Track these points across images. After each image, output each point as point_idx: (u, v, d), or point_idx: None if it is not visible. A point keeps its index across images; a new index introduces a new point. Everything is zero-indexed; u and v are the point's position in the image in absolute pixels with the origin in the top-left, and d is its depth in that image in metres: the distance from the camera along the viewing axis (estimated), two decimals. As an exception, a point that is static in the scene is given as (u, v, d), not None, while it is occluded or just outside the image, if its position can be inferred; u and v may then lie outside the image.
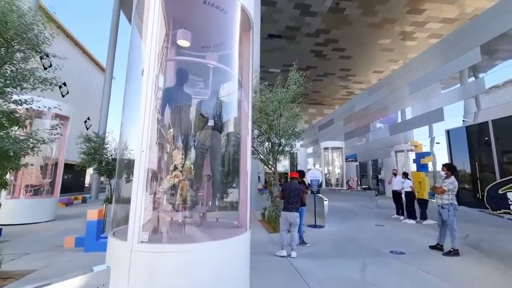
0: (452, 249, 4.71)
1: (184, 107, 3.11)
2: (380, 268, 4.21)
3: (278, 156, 7.66)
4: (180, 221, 3.07)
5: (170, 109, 3.05)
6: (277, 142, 7.32)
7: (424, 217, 8.14)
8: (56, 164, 9.55)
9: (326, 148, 19.20)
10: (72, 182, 21.65)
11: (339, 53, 26.87)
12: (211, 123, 3.51)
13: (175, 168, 2.91)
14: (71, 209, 11.51)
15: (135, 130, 2.62)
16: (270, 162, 7.57)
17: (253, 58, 10.68)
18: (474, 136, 11.24)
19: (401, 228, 7.40)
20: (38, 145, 4.38)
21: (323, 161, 19.11)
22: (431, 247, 5.15)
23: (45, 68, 19.79)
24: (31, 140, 4.22)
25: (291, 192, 4.72)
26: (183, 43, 3.27)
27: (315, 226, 7.32)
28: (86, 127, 23.91)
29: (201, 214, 3.51)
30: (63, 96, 21.46)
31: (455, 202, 4.87)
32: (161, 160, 2.98)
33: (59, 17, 19.46)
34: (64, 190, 20.12)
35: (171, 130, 2.94)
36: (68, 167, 16.92)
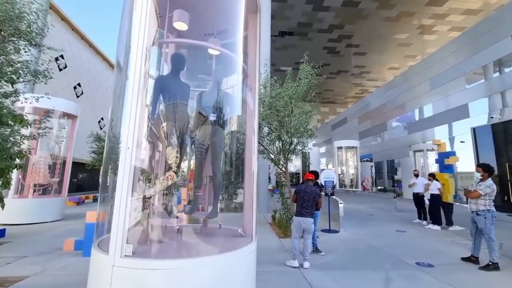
0: (490, 263, 4.09)
1: (179, 106, 2.69)
2: (407, 284, 3.67)
3: (290, 155, 7.19)
4: (175, 229, 2.68)
5: (164, 102, 2.66)
6: (288, 140, 6.85)
7: (449, 222, 7.43)
8: (64, 163, 9.48)
9: (339, 148, 18.47)
10: (87, 181, 21.96)
11: (353, 49, 26.01)
12: (213, 117, 3.11)
13: (169, 168, 2.51)
14: (82, 208, 11.46)
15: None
16: (281, 162, 7.10)
17: (263, 49, 10.22)
18: (504, 134, 10.30)
19: (425, 234, 6.75)
20: (22, 141, 4.11)
21: (336, 161, 18.39)
22: (464, 259, 4.54)
23: (60, 70, 20.15)
24: (12, 136, 3.95)
25: (306, 195, 4.25)
26: (180, 25, 2.88)
27: (329, 231, 6.79)
28: (100, 127, 24.22)
29: (201, 221, 3.12)
30: (77, 96, 21.78)
31: (493, 208, 4.23)
32: (153, 159, 2.60)
33: (72, 17, 19.73)
34: (79, 189, 20.44)
35: (164, 125, 2.55)
36: (81, 166, 17.11)
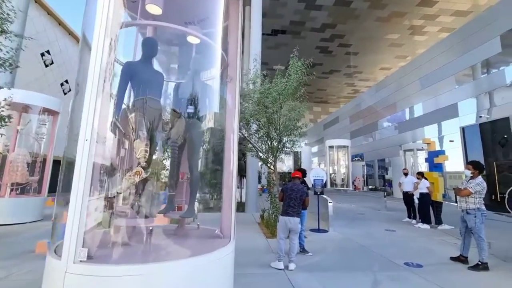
0: (480, 263, 4.00)
1: (150, 98, 2.44)
2: (395, 286, 3.53)
3: (279, 154, 7.01)
4: (146, 231, 2.46)
5: (133, 91, 2.42)
6: (277, 138, 6.66)
7: (438, 221, 7.39)
8: (45, 161, 9.06)
9: (331, 147, 18.43)
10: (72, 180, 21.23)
11: (345, 49, 26.05)
12: (190, 109, 2.89)
13: (138, 163, 2.28)
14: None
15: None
16: (269, 160, 6.91)
17: (254, 45, 10.00)
18: (492, 133, 10.38)
19: (415, 233, 6.67)
20: None
21: (328, 160, 18.35)
22: (453, 259, 4.44)
23: (47, 66, 19.38)
24: None
25: (293, 193, 4.07)
26: (153, 9, 2.65)
27: (318, 230, 6.65)
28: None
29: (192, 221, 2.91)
30: (65, 93, 21.08)
31: (483, 207, 4.15)
32: (118, 153, 2.36)
33: (59, 12, 19.05)
34: (67, 188, 19.71)
35: (133, 115, 2.31)
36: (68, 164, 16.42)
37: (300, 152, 20.76)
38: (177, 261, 2.05)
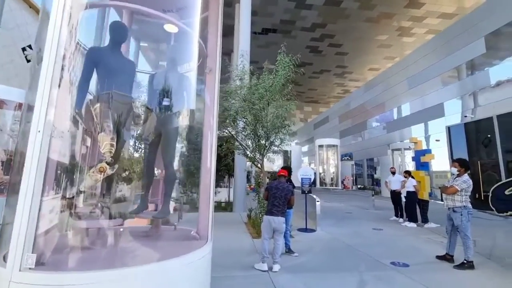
0: (465, 261, 3.96)
1: (117, 95, 2.21)
2: (381, 285, 3.44)
3: (266, 152, 6.86)
4: (115, 233, 2.25)
5: (99, 80, 2.20)
6: (264, 135, 6.51)
7: (425, 220, 7.42)
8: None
9: (320, 146, 18.47)
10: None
11: (335, 49, 26.16)
12: (166, 102, 2.69)
13: (102, 159, 2.07)
14: (43, 209, 10.55)
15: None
16: (256, 158, 6.75)
17: (242, 39, 9.76)
18: (477, 133, 10.56)
19: (401, 232, 6.66)
20: None
21: (317, 159, 18.37)
22: (439, 258, 4.40)
23: (28, 61, 18.60)
24: None
25: (277, 192, 3.92)
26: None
27: (306, 230, 6.53)
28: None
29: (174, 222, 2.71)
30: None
31: (469, 205, 4.12)
32: (80, 148, 2.14)
33: None
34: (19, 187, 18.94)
35: (97, 106, 2.10)
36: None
37: (290, 151, 20.73)
38: (145, 266, 1.85)
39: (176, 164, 2.70)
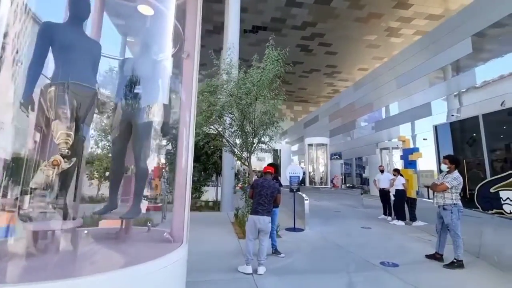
0: (455, 260, 3.87)
1: (74, 88, 1.89)
2: (370, 287, 3.28)
3: (254, 149, 6.64)
4: (78, 236, 1.97)
5: (55, 61, 1.91)
6: (251, 131, 6.28)
7: (413, 218, 7.39)
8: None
9: (310, 145, 18.42)
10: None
11: (325, 48, 26.23)
12: (138, 90, 2.43)
13: (60, 151, 1.79)
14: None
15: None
16: (244, 156, 6.53)
17: (230, 31, 9.45)
18: (463, 132, 10.70)
19: (390, 231, 6.58)
20: None
21: (307, 158, 18.31)
22: (428, 257, 4.30)
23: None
24: None
25: (263, 190, 3.70)
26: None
27: (294, 229, 6.36)
28: None
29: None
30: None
31: (460, 202, 4.03)
32: (31, 139, 1.86)
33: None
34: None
35: (52, 89, 1.81)
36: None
37: (280, 150, 20.60)
38: (106, 274, 1.59)
39: (156, 160, 2.43)
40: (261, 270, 3.53)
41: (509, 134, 9.12)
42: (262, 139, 6.50)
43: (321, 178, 17.80)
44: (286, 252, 4.49)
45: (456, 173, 4.11)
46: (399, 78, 15.79)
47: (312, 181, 17.73)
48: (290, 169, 6.65)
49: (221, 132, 6.49)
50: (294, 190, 6.56)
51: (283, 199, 8.44)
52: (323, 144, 18.15)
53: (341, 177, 23.43)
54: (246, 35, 23.74)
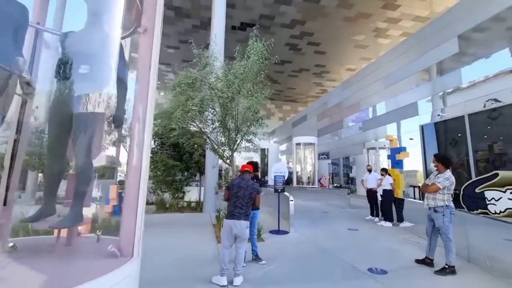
0: (447, 266, 3.62)
1: None
2: (358, 299, 2.97)
3: (236, 147, 6.24)
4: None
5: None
6: (234, 129, 5.88)
7: (400, 219, 7.21)
8: None
9: (298, 144, 18.19)
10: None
11: (314, 48, 26.16)
12: (84, 70, 1.98)
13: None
14: None
15: None
16: (225, 154, 6.11)
17: (217, 20, 8.96)
18: (448, 131, 10.71)
19: (377, 232, 6.35)
20: None
21: (295, 157, 18.08)
22: (419, 262, 4.05)
23: None
24: None
25: (240, 191, 3.31)
26: None
27: (278, 232, 6.01)
28: None
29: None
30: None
31: (452, 204, 3.79)
32: None
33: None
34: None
35: None
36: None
37: (267, 149, 20.29)
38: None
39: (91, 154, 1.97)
40: (238, 281, 3.14)
41: (494, 134, 9.16)
42: (246, 136, 6.11)
43: (309, 178, 17.61)
44: (267, 258, 4.13)
45: (448, 173, 3.87)
46: (386, 77, 15.79)
47: (299, 181, 17.51)
48: (275, 168, 6.30)
49: (202, 129, 6.05)
50: (279, 190, 6.22)
51: (268, 200, 8.10)
52: (311, 144, 17.97)
53: (328, 177, 23.39)
54: (233, 32, 23.32)
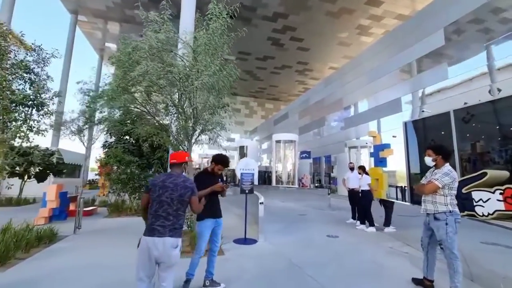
0: (452, 291, 2.74)
1: None
2: None
3: (196, 138, 5.15)
4: None
5: None
6: (191, 115, 4.79)
7: (387, 223, 6.40)
8: None
9: (278, 141, 17.29)
10: None
11: (297, 44, 25.49)
12: None
13: None
14: None
15: None
16: (183, 145, 4.99)
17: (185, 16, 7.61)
18: (424, 130, 10.19)
19: (360, 240, 5.49)
20: None
21: (274, 155, 17.17)
22: (416, 283, 3.16)
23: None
24: None
25: (166, 193, 2.21)
26: None
27: (244, 241, 4.99)
28: None
29: None
30: None
31: (457, 209, 2.93)
32: None
33: None
34: None
35: None
36: None
37: (247, 146, 19.26)
38: None
39: None
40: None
41: (481, 131, 8.67)
42: (208, 126, 5.02)
43: (289, 177, 16.76)
44: (226, 279, 3.09)
45: (446, 167, 3.00)
46: (368, 74, 15.26)
47: (279, 180, 16.62)
48: (242, 164, 5.26)
49: (149, 110, 4.85)
50: (247, 191, 5.19)
51: (239, 201, 7.01)
52: (291, 141, 17.13)
53: (310, 177, 22.74)
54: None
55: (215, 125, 5.21)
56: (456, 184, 2.95)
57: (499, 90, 10.50)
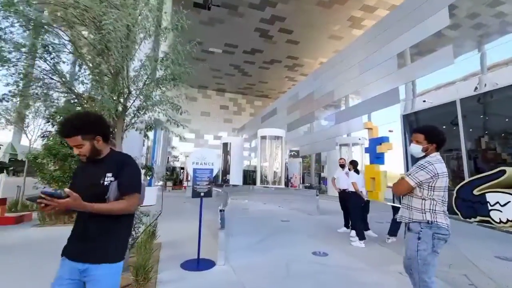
0: None
1: None
2: None
3: (133, 118, 3.67)
4: None
5: None
6: (122, 84, 3.30)
7: (392, 232, 5.04)
8: None
9: (263, 138, 15.89)
10: None
11: (286, 36, 24.18)
12: None
13: None
14: None
15: None
16: (113, 111, 3.43)
17: None
18: (436, 121, 9.00)
19: (356, 260, 4.11)
20: None
21: (259, 152, 15.76)
22: None
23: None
24: None
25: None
26: None
27: (197, 264, 3.52)
28: None
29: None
30: None
31: (441, 220, 1.74)
32: None
33: None
34: None
35: None
36: None
37: (230, 143, 17.78)
38: None
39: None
40: None
41: (494, 121, 7.50)
42: (144, 103, 3.53)
43: (275, 176, 15.38)
44: None
45: (434, 155, 1.84)
46: (361, 63, 14.08)
47: (264, 180, 15.21)
48: (195, 157, 3.77)
49: (52, 69, 3.23)
50: (202, 194, 3.71)
51: (211, 206, 5.46)
52: (278, 137, 15.76)
53: (299, 176, 21.46)
54: (197, 11, 20.54)
55: (160, 103, 3.72)
56: (444, 184, 1.73)
57: None
